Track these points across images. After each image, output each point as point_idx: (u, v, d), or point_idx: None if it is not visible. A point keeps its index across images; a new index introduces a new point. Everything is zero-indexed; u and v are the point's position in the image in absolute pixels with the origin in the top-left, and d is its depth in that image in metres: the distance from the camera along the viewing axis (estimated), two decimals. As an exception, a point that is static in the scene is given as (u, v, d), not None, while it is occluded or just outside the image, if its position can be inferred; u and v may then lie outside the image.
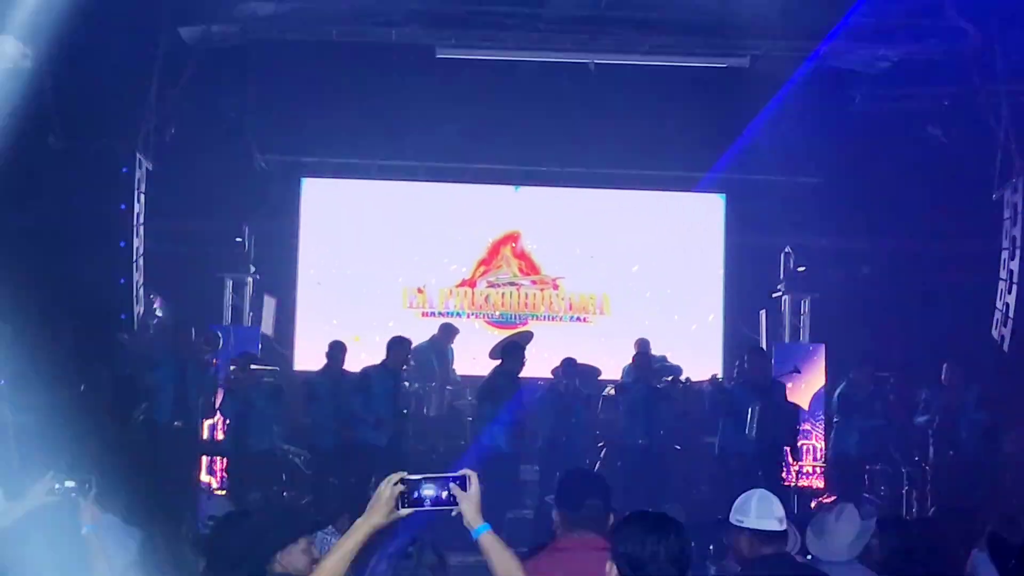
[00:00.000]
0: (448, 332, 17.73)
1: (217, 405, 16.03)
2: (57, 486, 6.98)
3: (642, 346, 16.79)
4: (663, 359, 16.56)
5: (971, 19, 15.65)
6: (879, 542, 7.84)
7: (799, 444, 16.35)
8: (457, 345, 17.92)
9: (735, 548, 6.77)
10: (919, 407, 16.05)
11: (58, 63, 15.14)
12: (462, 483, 4.89)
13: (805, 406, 17.37)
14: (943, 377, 15.87)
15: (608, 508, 5.88)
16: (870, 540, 7.79)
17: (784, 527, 6.38)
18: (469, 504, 4.89)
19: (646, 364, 16.11)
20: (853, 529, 7.80)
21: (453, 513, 4.90)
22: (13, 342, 16.42)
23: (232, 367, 16.21)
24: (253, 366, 16.17)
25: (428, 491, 4.86)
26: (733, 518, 6.61)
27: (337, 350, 15.65)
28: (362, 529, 4.89)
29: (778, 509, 6.39)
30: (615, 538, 4.68)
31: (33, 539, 6.59)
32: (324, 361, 15.82)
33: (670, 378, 16.08)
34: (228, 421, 15.87)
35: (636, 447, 15.33)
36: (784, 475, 15.55)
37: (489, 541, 4.93)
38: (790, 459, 15.70)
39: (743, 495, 6.70)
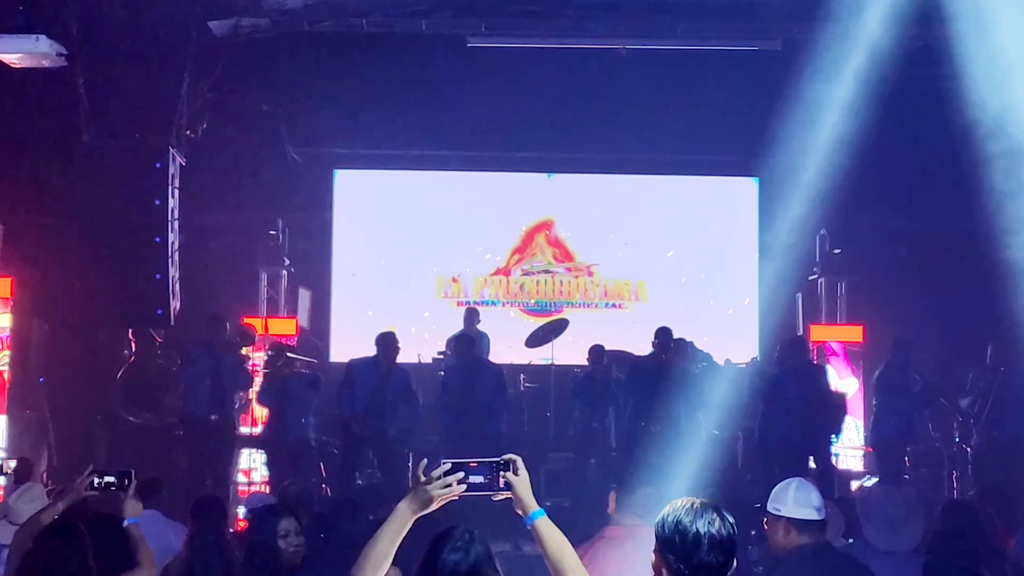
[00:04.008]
0: (470, 317, 17.59)
1: (254, 396, 16.08)
2: (97, 481, 7.00)
3: (665, 335, 16.64)
4: (692, 344, 16.47)
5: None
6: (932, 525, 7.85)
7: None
8: (493, 333, 17.85)
9: (770, 536, 6.73)
10: (964, 389, 15.95)
11: (90, 60, 15.17)
12: (509, 467, 4.87)
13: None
14: (987, 358, 15.77)
15: (662, 497, 5.84)
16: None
17: (822, 516, 6.33)
18: (521, 488, 4.87)
19: (682, 348, 16.04)
20: (919, 528, 7.78)
21: (496, 498, 4.87)
22: (50, 339, 16.53)
23: (267, 358, 16.25)
24: (289, 355, 16.18)
25: (476, 475, 4.83)
26: (770, 506, 6.58)
27: (387, 342, 15.51)
28: (405, 514, 4.87)
29: (816, 498, 6.36)
30: (659, 525, 4.65)
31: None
32: (364, 349, 15.79)
33: (704, 364, 16.01)
34: (266, 411, 15.91)
35: (674, 432, 15.26)
36: (832, 461, 15.48)
37: (546, 526, 4.90)
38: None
39: (781, 483, 6.66)
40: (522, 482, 4.88)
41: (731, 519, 4.66)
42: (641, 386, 15.33)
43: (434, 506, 4.86)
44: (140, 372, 15.55)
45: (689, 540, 4.56)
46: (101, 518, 7.25)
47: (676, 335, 16.52)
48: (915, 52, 16.91)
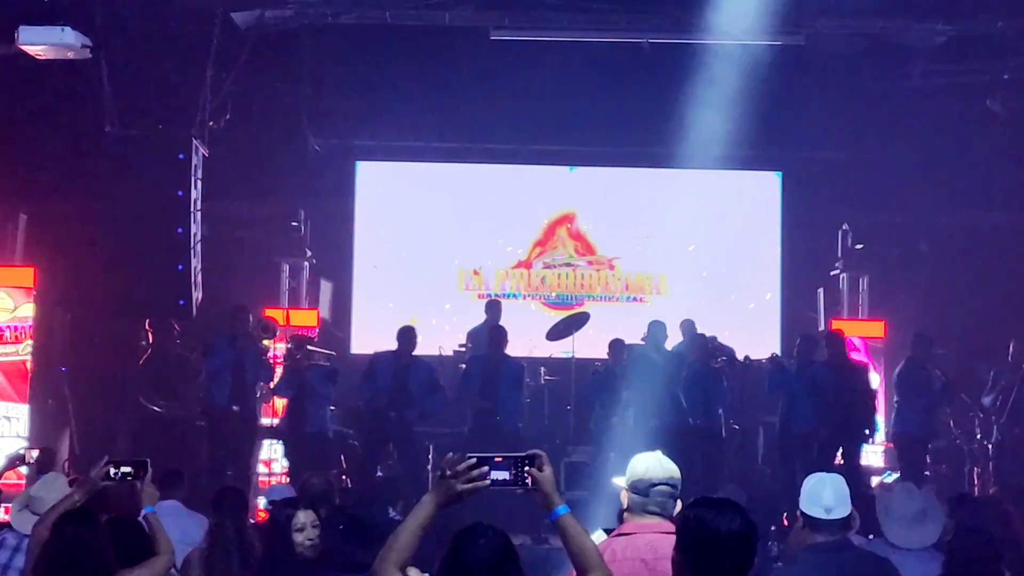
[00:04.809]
0: (492, 310, 17.59)
1: (273, 387, 16.11)
2: (114, 471, 7.02)
3: (690, 327, 16.65)
4: (714, 338, 16.45)
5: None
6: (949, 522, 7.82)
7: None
8: (513, 326, 17.84)
9: (793, 531, 6.73)
10: (987, 386, 15.91)
11: (115, 52, 15.21)
12: (533, 462, 4.88)
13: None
14: (1009, 355, 15.74)
15: (676, 493, 5.83)
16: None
17: (833, 516, 6.26)
18: (546, 484, 4.88)
19: (702, 343, 16.03)
20: (938, 524, 7.77)
21: (519, 491, 4.89)
22: (72, 330, 16.59)
23: (287, 351, 16.27)
24: (309, 347, 16.20)
25: (499, 470, 4.85)
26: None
27: (406, 336, 15.51)
28: (429, 506, 4.89)
29: (830, 497, 6.28)
30: (680, 524, 4.65)
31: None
32: (384, 341, 15.82)
33: (723, 359, 15.98)
34: (286, 402, 15.94)
35: (693, 426, 15.24)
36: (861, 457, 15.45)
37: (570, 522, 4.91)
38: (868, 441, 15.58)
39: (809, 477, 6.62)
40: (546, 478, 4.89)
41: (751, 517, 4.66)
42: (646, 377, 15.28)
43: (458, 500, 4.88)
44: (160, 362, 15.58)
45: (709, 538, 4.57)
46: (119, 521, 7.26)
47: (698, 329, 16.53)
48: (938, 47, 16.88)
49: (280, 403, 16.43)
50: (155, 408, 15.33)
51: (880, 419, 17.47)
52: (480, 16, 16.55)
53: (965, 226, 18.38)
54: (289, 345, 16.21)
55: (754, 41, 16.99)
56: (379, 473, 15.54)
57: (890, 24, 16.38)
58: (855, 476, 14.29)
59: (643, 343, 15.76)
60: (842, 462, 14.76)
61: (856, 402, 14.91)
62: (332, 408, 16.04)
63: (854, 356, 17.69)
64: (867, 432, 15.42)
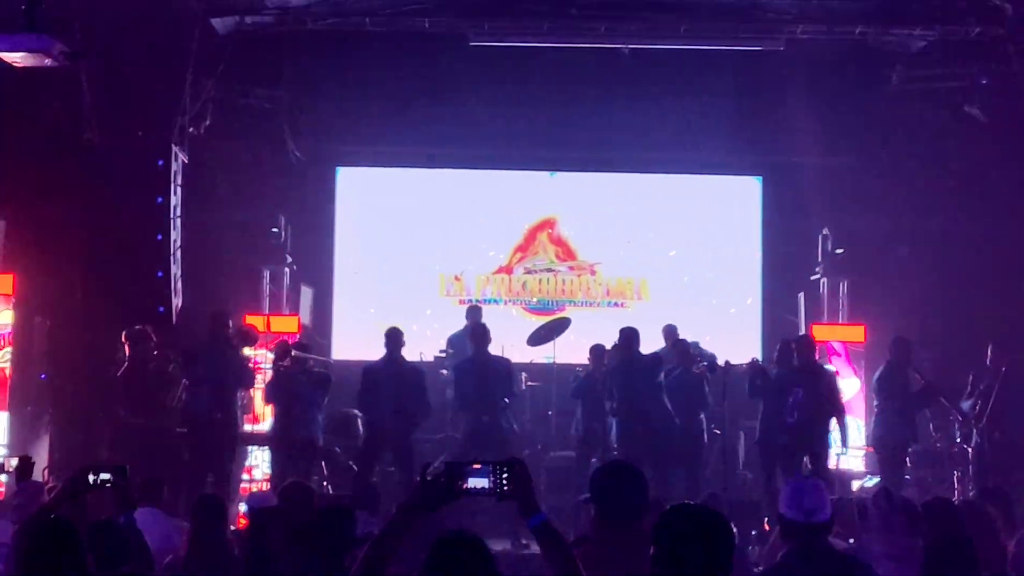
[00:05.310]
0: (473, 315, 17.57)
1: (258, 393, 16.07)
2: (92, 478, 6.99)
3: (672, 332, 16.70)
4: (696, 344, 16.49)
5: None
6: (927, 527, 7.82)
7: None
8: (495, 332, 17.82)
9: (773, 536, 6.76)
10: (966, 390, 15.94)
11: (94, 59, 15.18)
12: (512, 470, 4.89)
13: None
14: (987, 359, 15.77)
15: (645, 501, 5.83)
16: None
17: (813, 520, 6.27)
18: (525, 491, 4.89)
19: (683, 349, 16.07)
20: (918, 529, 7.78)
21: (499, 500, 4.89)
22: (51, 337, 16.54)
23: (273, 356, 16.22)
24: (297, 353, 16.14)
25: (477, 477, 4.85)
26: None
27: (395, 338, 15.48)
28: (408, 514, 4.89)
29: (808, 501, 6.29)
30: (655, 533, 4.66)
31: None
32: (365, 347, 15.79)
33: (704, 364, 16.01)
34: (274, 409, 15.88)
35: (675, 431, 15.25)
36: (828, 461, 15.44)
37: (547, 530, 4.92)
38: (839, 446, 15.56)
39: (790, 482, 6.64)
40: (525, 485, 4.90)
41: (729, 522, 4.67)
42: (625, 385, 15.25)
43: (432, 507, 4.88)
44: (137, 374, 15.52)
45: (686, 543, 4.57)
46: (98, 528, 7.24)
47: (680, 334, 16.57)
48: (917, 52, 16.96)
49: (264, 409, 16.39)
50: (134, 420, 15.25)
51: (860, 423, 17.52)
52: (459, 22, 16.59)
53: (944, 230, 18.41)
54: (275, 351, 16.16)
55: (734, 46, 17.06)
56: (374, 479, 15.48)
57: (869, 30, 16.44)
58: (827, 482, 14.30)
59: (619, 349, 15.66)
60: (810, 466, 14.78)
61: (822, 406, 14.92)
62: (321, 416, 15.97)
63: (835, 361, 17.80)
64: (837, 437, 15.39)
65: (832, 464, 15.95)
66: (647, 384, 15.17)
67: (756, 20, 16.31)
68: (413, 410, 15.14)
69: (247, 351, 15.74)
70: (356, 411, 15.99)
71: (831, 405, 15.05)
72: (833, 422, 15.10)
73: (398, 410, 14.99)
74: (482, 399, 15.11)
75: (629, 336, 15.45)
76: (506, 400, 15.29)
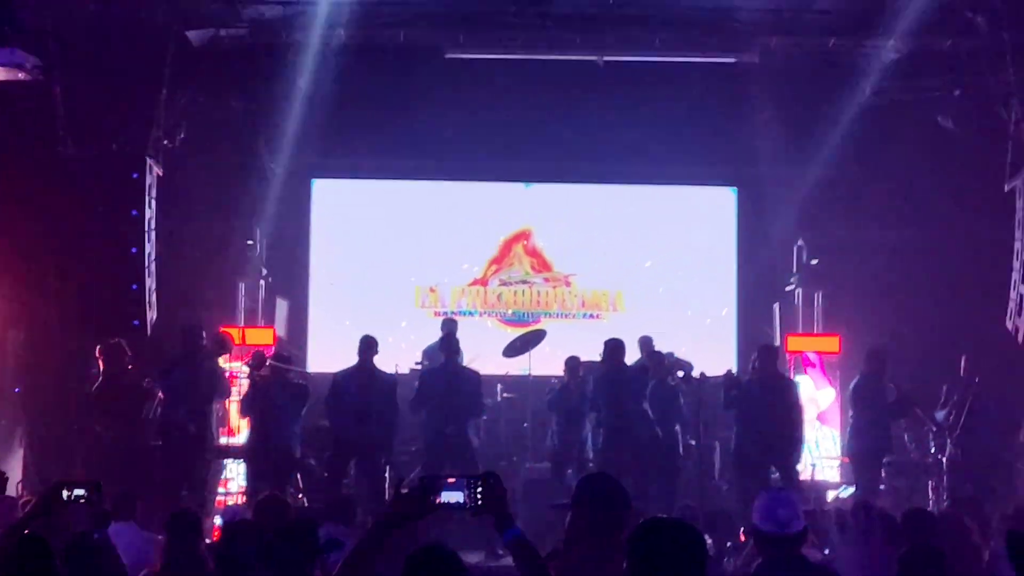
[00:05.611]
0: (448, 327, 17.53)
1: (234, 405, 16.03)
2: (66, 494, 6.97)
3: (648, 344, 16.71)
4: (671, 355, 16.51)
5: (978, 9, 15.60)
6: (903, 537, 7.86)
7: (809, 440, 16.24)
8: (470, 344, 17.81)
9: (748, 547, 6.77)
10: (940, 401, 16.00)
11: (67, 71, 15.15)
12: (487, 484, 4.89)
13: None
14: (961, 370, 15.83)
15: (628, 512, 5.84)
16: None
17: (787, 531, 6.28)
18: (499, 505, 4.89)
19: (658, 360, 16.09)
20: (893, 539, 7.81)
21: (474, 515, 4.90)
22: (26, 349, 16.47)
23: (249, 367, 16.17)
24: (274, 364, 16.10)
25: (454, 491, 4.86)
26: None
27: (365, 345, 15.48)
28: (383, 528, 4.90)
29: (781, 512, 6.30)
30: (629, 547, 4.66)
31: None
32: (341, 358, 15.76)
33: (681, 374, 16.04)
34: (250, 420, 15.83)
35: (651, 443, 15.27)
36: (797, 472, 15.47)
37: (521, 544, 4.93)
38: (801, 456, 15.60)
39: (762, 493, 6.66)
40: (499, 499, 4.90)
41: (703, 535, 4.68)
42: (605, 396, 15.30)
43: (407, 520, 4.88)
44: (112, 388, 15.48)
45: (659, 556, 4.58)
46: (72, 543, 7.22)
47: (655, 345, 16.59)
48: (890, 64, 17.02)
49: (240, 422, 16.36)
50: (109, 434, 15.20)
51: (836, 433, 17.58)
52: (435, 35, 16.58)
53: (919, 241, 18.48)
54: (251, 362, 16.11)
55: (709, 58, 17.11)
56: (344, 491, 15.45)
57: (842, 42, 16.49)
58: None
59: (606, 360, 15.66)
60: (777, 476, 14.83)
61: (784, 417, 14.98)
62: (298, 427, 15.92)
63: (810, 371, 17.87)
64: (798, 448, 15.42)
65: (807, 475, 16.03)
66: (634, 396, 15.23)
67: (730, 32, 16.35)
68: (382, 420, 15.15)
69: (222, 362, 15.71)
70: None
71: (794, 415, 15.13)
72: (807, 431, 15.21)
73: (363, 419, 15.00)
74: (449, 409, 15.12)
75: (616, 347, 15.49)
76: (475, 416, 15.35)
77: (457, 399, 15.18)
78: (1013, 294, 16.08)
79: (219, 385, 15.43)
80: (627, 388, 15.25)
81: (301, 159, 19.62)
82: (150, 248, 15.45)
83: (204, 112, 17.31)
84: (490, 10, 16.63)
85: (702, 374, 15.59)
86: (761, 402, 14.88)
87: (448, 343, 15.74)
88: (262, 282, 19.01)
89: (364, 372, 15.24)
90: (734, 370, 16.64)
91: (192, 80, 16.35)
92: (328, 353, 18.55)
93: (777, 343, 18.08)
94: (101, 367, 15.35)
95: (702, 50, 16.95)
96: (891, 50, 16.53)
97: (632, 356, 16.31)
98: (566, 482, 14.89)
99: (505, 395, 17.64)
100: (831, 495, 16.69)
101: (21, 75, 13.68)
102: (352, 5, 16.23)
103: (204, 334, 15.44)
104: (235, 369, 16.45)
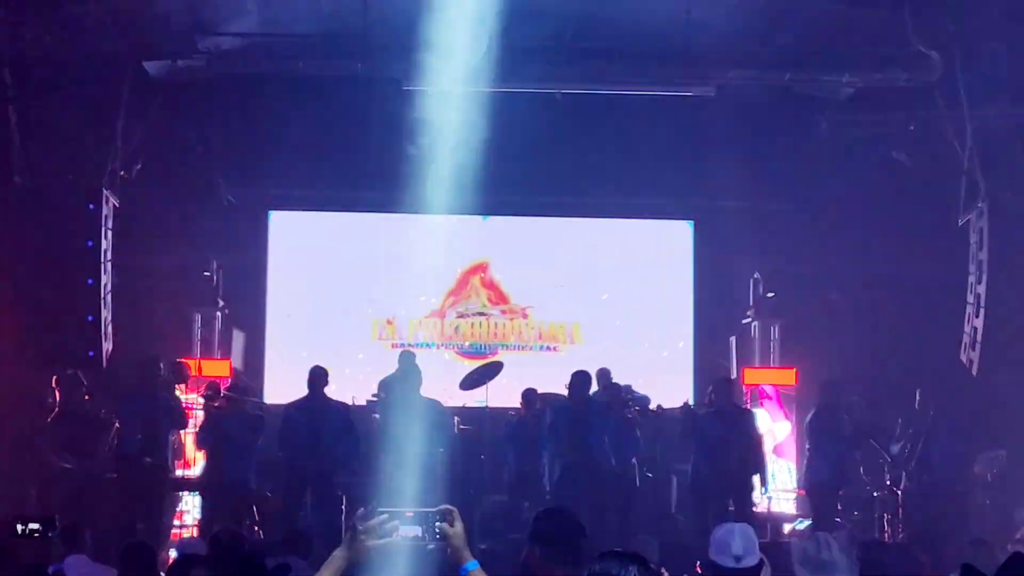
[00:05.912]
0: (405, 360, 17.46)
1: (190, 437, 15.95)
2: (21, 528, 6.93)
3: (606, 376, 16.71)
4: (628, 387, 16.52)
5: (933, 45, 15.74)
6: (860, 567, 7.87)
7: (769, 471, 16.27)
8: (427, 376, 17.77)
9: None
10: (895, 434, 16.08)
11: (23, 101, 15.09)
12: (444, 518, 4.89)
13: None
14: (916, 403, 15.92)
15: (582, 546, 5.83)
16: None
17: (742, 565, 6.29)
18: (456, 539, 4.89)
19: (615, 392, 16.09)
20: (851, 573, 7.81)
21: (430, 547, 4.90)
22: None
23: (203, 399, 16.09)
24: (230, 395, 16.02)
25: (412, 525, 4.87)
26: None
27: (314, 376, 15.48)
28: (340, 561, 4.88)
29: (737, 546, 6.31)
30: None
31: None
32: (298, 391, 15.73)
33: (637, 408, 16.06)
34: (205, 452, 15.75)
35: (607, 475, 15.26)
36: (753, 505, 15.52)
37: None
38: (759, 488, 15.66)
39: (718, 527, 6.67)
40: (457, 533, 4.90)
41: (659, 569, 4.68)
42: (568, 429, 15.28)
43: (364, 554, 4.87)
44: (68, 419, 15.39)
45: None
46: (29, 571, 7.17)
47: (613, 378, 16.59)
48: (846, 99, 17.15)
49: (196, 454, 16.27)
50: (65, 465, 15.10)
51: (792, 466, 17.63)
52: (392, 67, 16.58)
53: (874, 274, 18.59)
54: (207, 393, 16.04)
55: (665, 92, 17.17)
56: (299, 524, 15.37)
57: (798, 76, 16.59)
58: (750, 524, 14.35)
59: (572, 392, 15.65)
60: (733, 509, 14.85)
61: (743, 448, 15.03)
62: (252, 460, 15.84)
63: (767, 404, 17.92)
64: (756, 479, 15.48)
65: (764, 507, 16.06)
66: (595, 429, 15.22)
67: (687, 65, 16.41)
68: (335, 451, 15.12)
69: (178, 393, 15.65)
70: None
71: (753, 448, 15.18)
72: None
73: (315, 450, 14.98)
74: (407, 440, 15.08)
75: (584, 381, 15.49)
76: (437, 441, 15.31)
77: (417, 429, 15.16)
78: (967, 327, 16.18)
79: (175, 415, 15.37)
80: (588, 422, 15.25)
81: (258, 191, 19.63)
82: (106, 279, 15.38)
83: (161, 143, 17.25)
84: (447, 43, 16.64)
85: (659, 406, 15.62)
86: (720, 434, 14.93)
87: (405, 374, 15.76)
88: (219, 314, 18.94)
89: (315, 403, 15.23)
90: (691, 402, 16.66)
91: (149, 111, 16.30)
92: (285, 385, 18.45)
93: (734, 376, 18.13)
94: (57, 398, 15.26)
95: (659, 83, 17.00)
96: (847, 84, 16.64)
97: (590, 388, 16.32)
98: (523, 515, 14.88)
99: (462, 427, 17.59)
100: (787, 527, 16.73)
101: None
102: (309, 38, 16.25)
103: (161, 365, 15.39)
104: (191, 400, 16.37)
